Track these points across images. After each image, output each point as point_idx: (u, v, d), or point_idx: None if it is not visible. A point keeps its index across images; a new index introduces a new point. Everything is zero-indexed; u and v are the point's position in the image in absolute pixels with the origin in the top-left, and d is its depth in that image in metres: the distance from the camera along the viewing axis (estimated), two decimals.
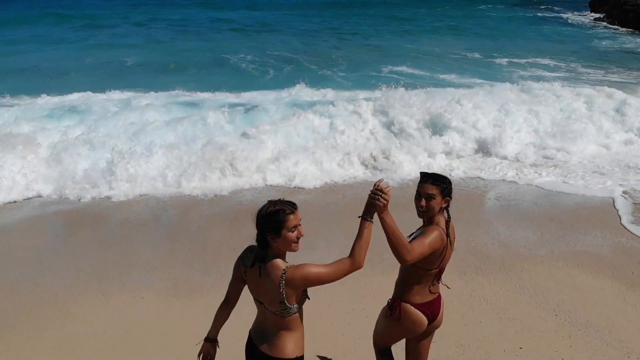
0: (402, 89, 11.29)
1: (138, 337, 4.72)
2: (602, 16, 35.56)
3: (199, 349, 3.01)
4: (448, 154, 9.79)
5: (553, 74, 17.27)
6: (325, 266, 2.60)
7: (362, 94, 12.70)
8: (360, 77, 16.29)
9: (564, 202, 7.97)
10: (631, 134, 10.71)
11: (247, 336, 2.89)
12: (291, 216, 2.59)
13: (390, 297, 3.33)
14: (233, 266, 2.89)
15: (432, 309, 3.27)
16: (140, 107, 11.34)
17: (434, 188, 3.10)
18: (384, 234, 2.76)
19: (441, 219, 3.18)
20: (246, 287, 2.86)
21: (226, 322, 3.00)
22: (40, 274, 5.95)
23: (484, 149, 10.04)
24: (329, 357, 4.35)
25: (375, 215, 2.72)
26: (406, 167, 9.13)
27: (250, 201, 7.96)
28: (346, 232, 5.51)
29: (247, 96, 13.37)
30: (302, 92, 13.24)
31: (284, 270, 2.58)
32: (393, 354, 3.53)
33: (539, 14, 38.92)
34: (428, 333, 3.36)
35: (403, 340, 3.46)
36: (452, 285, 5.30)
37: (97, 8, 38.32)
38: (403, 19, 33.34)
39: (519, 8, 43.25)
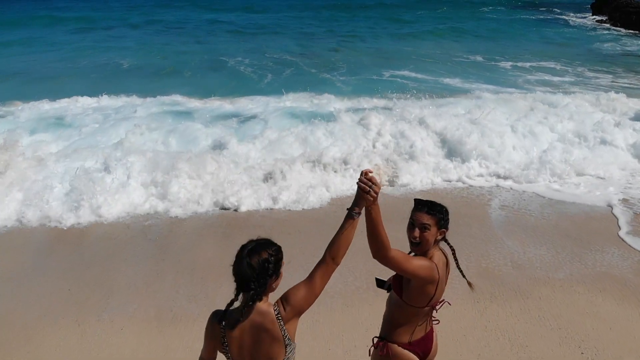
0: (412, 101, 10.70)
1: None
2: (604, 18, 35.17)
3: None
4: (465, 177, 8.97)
5: (560, 79, 16.76)
6: (310, 279, 2.38)
7: (366, 102, 12.22)
8: (361, 82, 15.78)
9: (570, 211, 7.64)
10: None
11: None
12: None
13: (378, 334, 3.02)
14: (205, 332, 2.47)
15: (423, 347, 2.96)
16: (128, 117, 10.75)
17: (429, 218, 2.77)
18: (366, 226, 2.52)
19: (436, 253, 2.81)
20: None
21: None
22: (12, 298, 5.43)
23: (500, 174, 9.02)
24: None
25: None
26: (418, 179, 8.66)
27: (243, 218, 7.48)
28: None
29: (243, 103, 12.86)
30: (302, 99, 12.68)
31: (275, 308, 2.34)
32: None
33: (540, 16, 38.48)
34: None
35: None
36: (465, 315, 4.88)
37: (93, 10, 37.78)
38: (403, 21, 32.81)
39: (520, 10, 42.85)
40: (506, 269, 5.85)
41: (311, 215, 7.43)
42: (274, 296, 2.38)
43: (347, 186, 8.26)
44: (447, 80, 16.24)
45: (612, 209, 7.60)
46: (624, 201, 7.86)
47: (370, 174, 2.42)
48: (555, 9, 43.11)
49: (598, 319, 4.83)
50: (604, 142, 9.75)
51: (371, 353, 3.05)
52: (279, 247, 2.40)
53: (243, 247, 2.35)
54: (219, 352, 2.46)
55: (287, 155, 8.98)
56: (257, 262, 2.28)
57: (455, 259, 2.93)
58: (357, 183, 2.43)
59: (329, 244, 2.41)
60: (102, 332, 4.84)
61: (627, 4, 33.43)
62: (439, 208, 2.83)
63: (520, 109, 11.24)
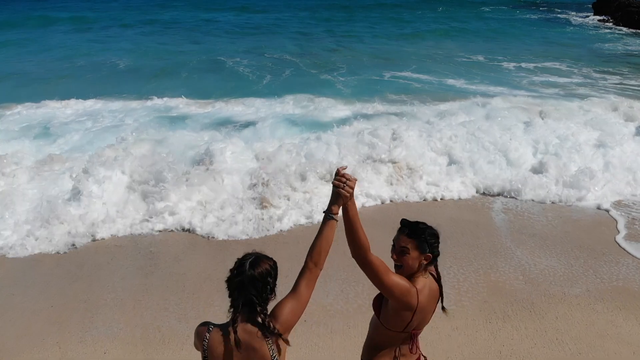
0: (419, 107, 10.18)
1: None
2: (606, 18, 34.85)
3: None
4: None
5: (567, 80, 16.35)
6: (295, 291, 2.32)
7: (367, 108, 11.82)
8: (362, 83, 15.39)
9: (575, 216, 7.35)
10: None
11: None
12: None
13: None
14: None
15: None
16: (117, 125, 10.34)
17: (409, 241, 2.55)
18: (344, 225, 2.43)
19: (420, 279, 2.56)
20: None
21: None
22: None
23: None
24: None
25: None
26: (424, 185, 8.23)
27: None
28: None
29: (241, 107, 12.47)
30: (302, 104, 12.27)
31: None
32: None
33: (542, 16, 38.16)
34: None
35: None
36: (477, 338, 4.50)
37: (88, 10, 37.32)
38: (403, 21, 32.44)
39: (521, 10, 42.54)
40: (518, 284, 5.49)
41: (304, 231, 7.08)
42: None
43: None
44: (451, 81, 15.82)
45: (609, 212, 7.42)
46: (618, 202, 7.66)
47: (342, 171, 2.39)
48: (556, 9, 42.86)
49: (621, 342, 4.46)
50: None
51: None
52: (275, 262, 2.37)
53: (242, 259, 2.29)
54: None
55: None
56: (260, 274, 2.24)
57: (440, 285, 2.69)
58: (332, 182, 2.40)
59: (310, 250, 2.35)
60: (84, 357, 4.47)
61: (628, 3, 33.13)
62: (422, 231, 2.57)
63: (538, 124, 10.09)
